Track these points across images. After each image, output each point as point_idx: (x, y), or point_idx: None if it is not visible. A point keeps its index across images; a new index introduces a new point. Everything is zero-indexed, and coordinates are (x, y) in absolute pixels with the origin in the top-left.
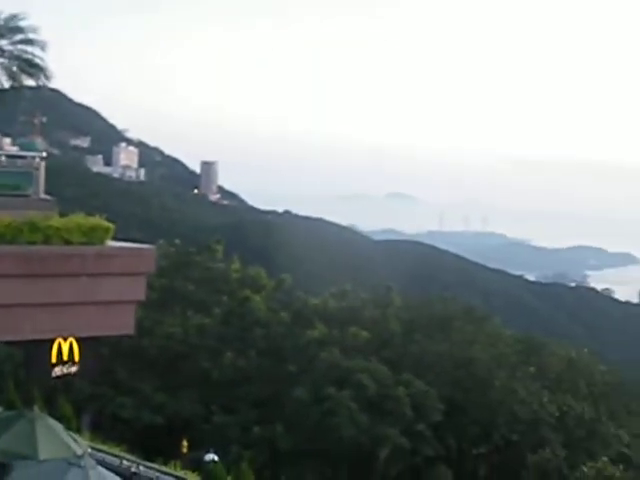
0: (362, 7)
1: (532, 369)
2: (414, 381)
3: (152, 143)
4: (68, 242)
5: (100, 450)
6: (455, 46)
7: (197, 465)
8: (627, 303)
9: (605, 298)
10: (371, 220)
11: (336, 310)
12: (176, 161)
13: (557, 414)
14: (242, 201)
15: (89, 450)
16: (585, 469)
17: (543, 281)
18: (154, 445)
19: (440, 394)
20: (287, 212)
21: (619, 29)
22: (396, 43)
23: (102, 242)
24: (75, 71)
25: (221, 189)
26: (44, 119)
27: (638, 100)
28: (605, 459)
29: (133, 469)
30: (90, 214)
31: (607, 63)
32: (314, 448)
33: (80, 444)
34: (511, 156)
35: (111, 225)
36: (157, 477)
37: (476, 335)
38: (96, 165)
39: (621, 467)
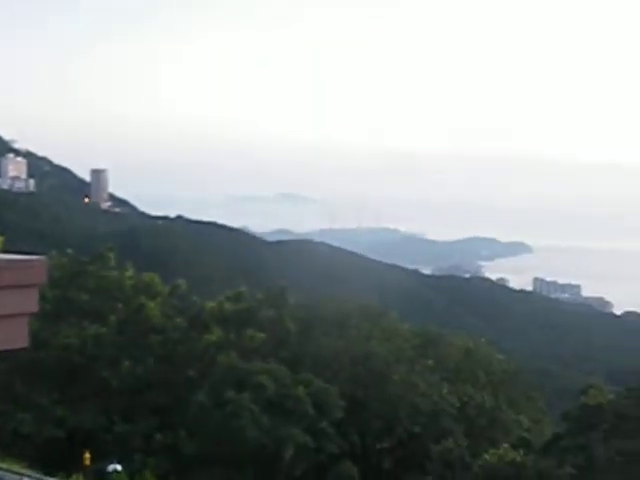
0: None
1: (430, 361)
2: (313, 379)
3: (40, 153)
4: None
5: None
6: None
7: (100, 476)
8: (522, 291)
9: (500, 287)
10: (263, 221)
11: (232, 313)
12: (65, 170)
13: (458, 404)
14: (134, 208)
15: None
16: (487, 456)
17: (438, 274)
18: (56, 459)
19: (340, 391)
20: (179, 217)
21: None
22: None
23: None
24: None
25: (112, 197)
26: None
27: (525, 89)
28: (506, 445)
29: None
30: None
31: (503, 52)
32: (218, 452)
33: None
34: (399, 150)
35: (0, 237)
36: None
37: (373, 331)
38: None
39: (522, 452)
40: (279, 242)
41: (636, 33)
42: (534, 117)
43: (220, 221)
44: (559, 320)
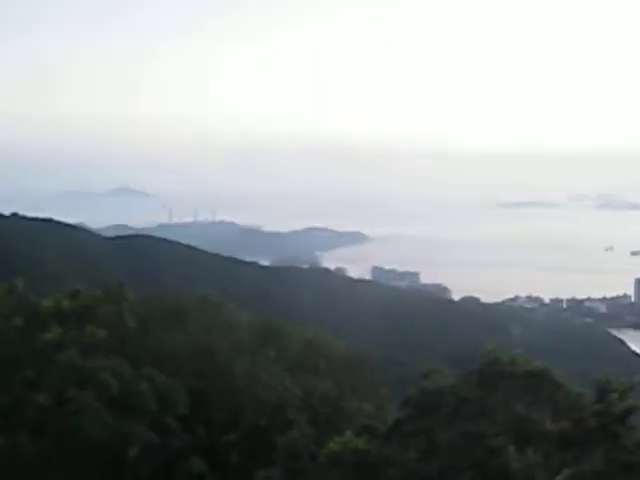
0: None
1: (272, 353)
2: (156, 375)
3: None
4: None
5: None
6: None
7: None
8: (360, 280)
9: (339, 277)
10: (99, 217)
11: (70, 310)
12: None
13: (301, 395)
14: None
15: None
16: (332, 444)
17: (277, 265)
18: None
19: (184, 385)
20: (15, 214)
21: None
22: None
23: None
24: None
25: None
26: None
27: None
28: (349, 432)
29: None
30: None
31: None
32: (61, 452)
33: None
34: (234, 144)
35: None
36: None
37: (212, 323)
38: None
39: (365, 438)
40: (117, 237)
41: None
42: (373, 108)
43: (57, 217)
44: (399, 307)
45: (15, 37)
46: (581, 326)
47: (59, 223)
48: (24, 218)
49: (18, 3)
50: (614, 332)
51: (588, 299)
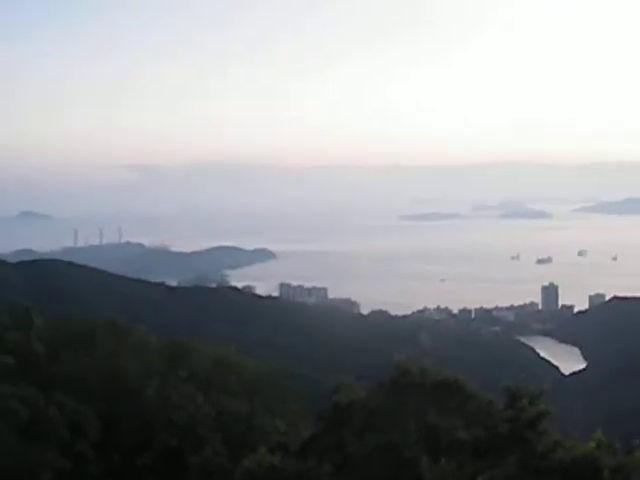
0: None
1: (182, 373)
2: (66, 400)
3: None
4: None
5: None
6: None
7: None
8: (268, 297)
9: (246, 295)
10: (4, 242)
11: None
12: None
13: (213, 414)
14: None
15: None
16: (246, 462)
17: (184, 285)
18: None
19: (94, 410)
20: None
21: None
22: None
23: None
24: None
25: None
26: None
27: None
28: (263, 449)
29: None
30: None
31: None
32: None
33: None
34: (136, 164)
35: None
36: None
37: (121, 347)
38: None
39: (279, 455)
40: (23, 262)
41: None
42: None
43: None
44: (308, 323)
45: None
46: (490, 335)
47: None
48: None
49: None
50: (523, 340)
51: (496, 308)
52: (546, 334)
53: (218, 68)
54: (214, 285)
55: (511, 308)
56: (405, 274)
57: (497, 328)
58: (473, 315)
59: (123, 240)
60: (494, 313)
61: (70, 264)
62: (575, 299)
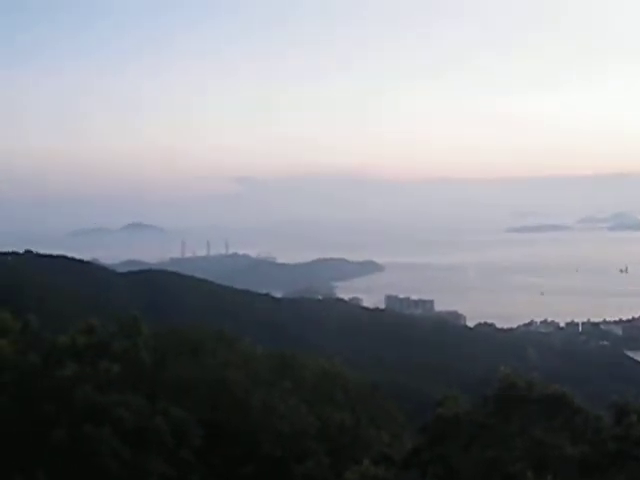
0: None
1: (288, 384)
2: (171, 409)
3: None
4: None
5: None
6: None
7: None
8: (375, 309)
9: (353, 307)
10: (113, 253)
11: (86, 346)
12: None
13: (318, 425)
14: None
15: None
16: (349, 473)
17: (290, 297)
18: None
19: (199, 419)
20: (28, 252)
21: None
22: None
23: None
24: None
25: None
26: None
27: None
28: (367, 461)
29: None
30: None
31: None
32: None
33: None
34: (241, 176)
35: None
36: None
37: (228, 357)
38: None
39: (383, 466)
40: (130, 273)
41: None
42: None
43: (70, 254)
44: (414, 336)
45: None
46: (597, 349)
47: (72, 259)
48: (37, 255)
49: None
50: (631, 354)
51: (604, 322)
52: None
53: (318, 78)
54: (320, 297)
55: (619, 322)
56: (511, 287)
57: (605, 342)
58: (580, 328)
59: (230, 251)
60: (602, 327)
61: (177, 274)
62: None
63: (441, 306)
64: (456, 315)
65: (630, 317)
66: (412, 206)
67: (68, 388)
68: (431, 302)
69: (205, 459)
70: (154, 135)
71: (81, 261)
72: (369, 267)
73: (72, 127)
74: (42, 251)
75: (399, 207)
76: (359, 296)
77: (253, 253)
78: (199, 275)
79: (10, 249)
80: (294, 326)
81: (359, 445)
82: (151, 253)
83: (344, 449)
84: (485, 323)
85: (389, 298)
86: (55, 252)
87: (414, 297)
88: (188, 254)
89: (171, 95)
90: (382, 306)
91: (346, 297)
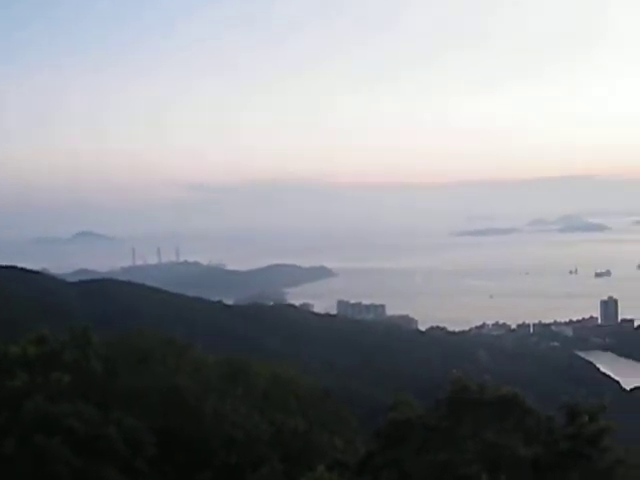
0: None
1: (240, 390)
2: (124, 418)
3: None
4: None
5: None
6: None
7: None
8: (326, 315)
9: (304, 313)
10: (62, 262)
11: (36, 356)
12: None
13: (271, 431)
14: None
15: None
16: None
17: (241, 303)
18: None
19: (152, 427)
20: None
21: None
22: None
23: None
24: None
25: None
26: None
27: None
28: (321, 467)
29: None
30: None
31: None
32: None
33: None
34: (192, 183)
35: None
36: None
37: (179, 364)
38: None
39: (337, 472)
40: (81, 282)
41: None
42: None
43: (20, 264)
44: (366, 340)
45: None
46: (548, 350)
47: (21, 270)
48: None
49: None
50: (582, 354)
51: (554, 323)
52: (606, 349)
53: (270, 84)
54: (271, 303)
55: (570, 323)
56: (462, 290)
57: (556, 343)
58: (531, 330)
59: (181, 259)
60: (553, 328)
61: (128, 283)
62: (636, 313)
63: (393, 310)
64: (408, 319)
65: (580, 318)
66: (366, 212)
67: (18, 398)
68: (382, 307)
69: (159, 467)
70: (106, 140)
71: (31, 271)
72: (321, 273)
73: (22, 131)
74: None
75: (353, 214)
76: (310, 302)
77: (204, 260)
78: (150, 283)
79: None
80: (245, 332)
81: (313, 451)
82: (102, 262)
83: (298, 455)
84: (437, 327)
85: (340, 303)
86: (5, 263)
87: (365, 302)
88: (139, 262)
89: (124, 99)
90: (334, 311)
91: (297, 303)
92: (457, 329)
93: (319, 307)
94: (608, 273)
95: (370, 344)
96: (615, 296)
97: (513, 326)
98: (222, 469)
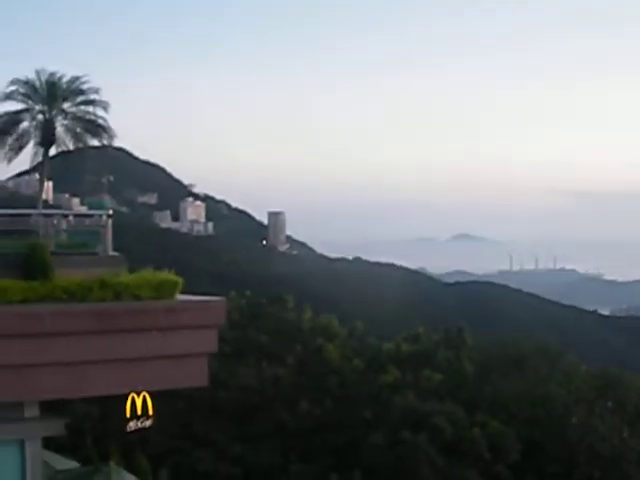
0: None
1: (610, 404)
2: (490, 421)
3: (219, 197)
4: (138, 297)
5: None
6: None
7: None
8: None
9: None
10: (439, 263)
11: (409, 354)
12: (243, 213)
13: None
14: (311, 250)
15: None
16: None
17: (617, 315)
18: None
19: (517, 433)
20: (357, 259)
21: None
22: None
23: (171, 296)
24: (138, 128)
25: (289, 239)
26: (111, 178)
27: None
28: None
29: None
30: (159, 269)
31: None
32: None
33: None
34: (573, 189)
35: (179, 279)
36: None
37: (551, 372)
38: (164, 221)
39: None
40: (457, 283)
41: None
42: None
43: (398, 262)
44: None
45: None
46: None
47: (400, 268)
48: (366, 262)
49: None
50: None
51: None
52: None
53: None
54: None
55: None
56: None
57: None
58: None
59: (557, 266)
60: None
61: (505, 287)
62: None
63: None
64: None
65: None
66: None
67: (389, 393)
68: None
69: (519, 474)
70: (488, 147)
71: (409, 269)
72: None
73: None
74: (371, 258)
75: None
76: None
77: (581, 269)
78: (526, 289)
79: (339, 255)
80: (619, 345)
81: None
82: (478, 264)
83: None
84: None
85: None
86: (384, 260)
87: None
88: (516, 267)
89: (489, 101)
90: None
91: None
92: None
93: None
94: None
95: None
96: None
97: None
98: None
